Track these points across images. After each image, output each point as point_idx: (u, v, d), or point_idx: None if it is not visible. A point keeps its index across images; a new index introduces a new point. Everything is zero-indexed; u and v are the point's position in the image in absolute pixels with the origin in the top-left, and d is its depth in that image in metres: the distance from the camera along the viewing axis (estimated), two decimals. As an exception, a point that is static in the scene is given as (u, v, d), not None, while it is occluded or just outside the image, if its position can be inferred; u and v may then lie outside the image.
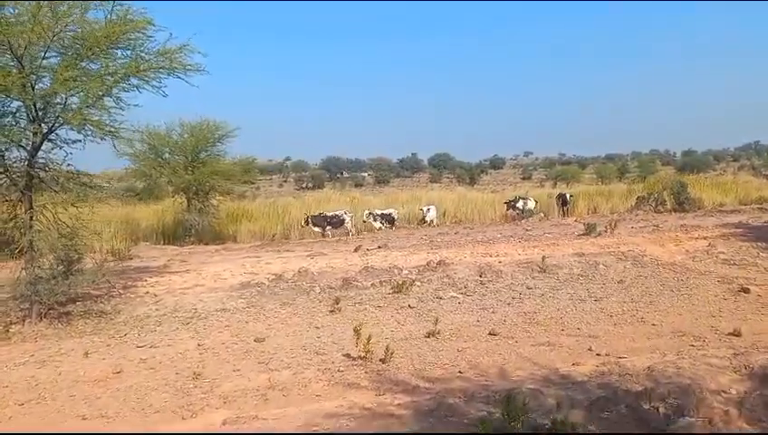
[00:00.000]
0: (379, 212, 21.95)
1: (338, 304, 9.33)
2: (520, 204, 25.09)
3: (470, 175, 70.61)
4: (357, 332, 6.92)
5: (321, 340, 7.92)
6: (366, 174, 77.17)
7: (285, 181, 76.40)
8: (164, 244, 21.38)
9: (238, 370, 6.83)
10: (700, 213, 22.97)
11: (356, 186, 67.58)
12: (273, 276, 11.11)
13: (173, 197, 22.64)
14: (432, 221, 23.44)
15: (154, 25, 8.92)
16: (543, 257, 11.83)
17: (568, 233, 16.65)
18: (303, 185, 67.69)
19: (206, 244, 20.72)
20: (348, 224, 20.90)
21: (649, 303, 9.34)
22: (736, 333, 7.60)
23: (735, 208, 24.21)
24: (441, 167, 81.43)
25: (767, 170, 63.29)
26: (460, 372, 6.58)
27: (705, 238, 14.56)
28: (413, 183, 71.17)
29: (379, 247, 15.12)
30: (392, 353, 6.89)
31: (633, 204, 26.17)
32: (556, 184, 60.38)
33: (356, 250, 14.62)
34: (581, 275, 11.24)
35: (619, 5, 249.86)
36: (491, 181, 73.47)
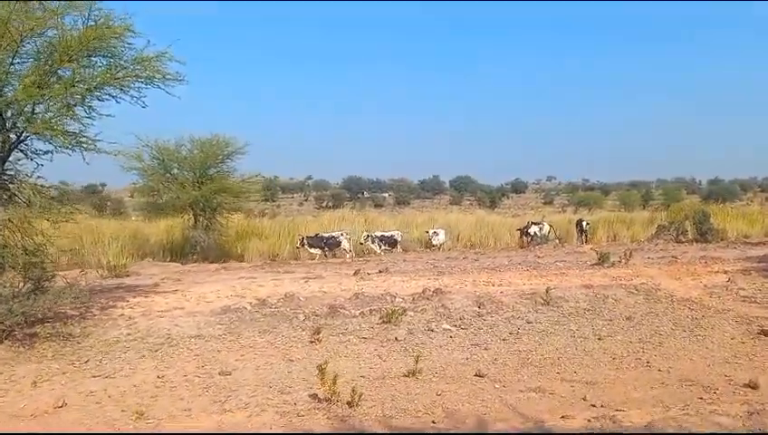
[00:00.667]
0: (378, 234, 21.18)
1: (318, 334, 8.60)
2: (533, 229, 24.21)
3: (491, 198, 69.71)
4: (321, 370, 6.18)
5: (292, 376, 7.20)
6: (386, 194, 76.67)
7: (306, 200, 76.25)
8: (169, 260, 20.91)
9: (189, 410, 6.12)
10: (723, 244, 21.86)
11: (376, 206, 67.05)
12: (257, 301, 10.41)
13: (180, 214, 22.18)
14: (441, 245, 22.65)
15: (133, 32, 8.41)
16: (548, 289, 10.99)
17: (580, 262, 15.75)
18: (323, 204, 67.39)
19: (211, 262, 20.21)
20: (345, 245, 20.26)
21: (658, 344, 8.46)
22: (753, 385, 6.70)
23: (761, 241, 23.01)
24: (462, 189, 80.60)
25: (796, 201, 61.54)
26: (433, 422, 5.80)
27: (724, 272, 13.59)
28: (433, 205, 70.42)
29: (380, 272, 14.39)
30: (361, 396, 6.13)
31: (653, 233, 25.13)
32: (578, 210, 59.25)
33: (355, 274, 13.90)
34: (588, 310, 10.36)
35: (645, 33, 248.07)
36: (512, 205, 72.44)
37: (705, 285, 12.15)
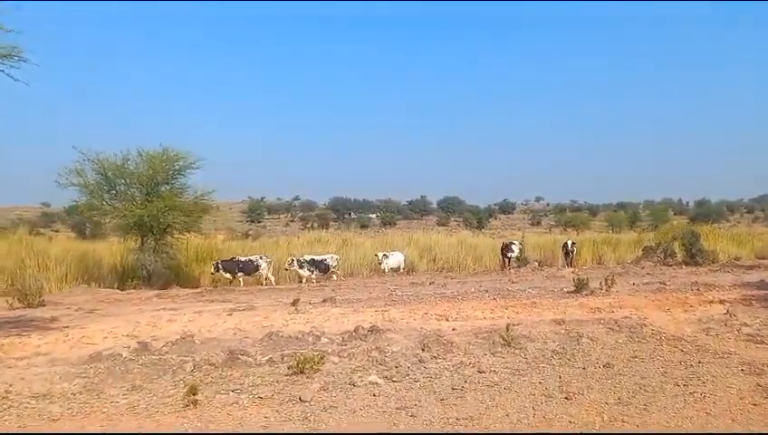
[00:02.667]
0: (307, 258, 18.85)
1: (194, 394, 6.32)
2: (513, 250, 22.15)
3: (478, 219, 67.74)
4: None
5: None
6: (373, 215, 74.51)
7: (292, 221, 74.03)
8: (116, 286, 18.68)
9: None
10: (715, 267, 19.77)
11: (362, 227, 64.95)
12: (139, 345, 8.13)
13: (127, 234, 19.94)
14: (398, 269, 20.46)
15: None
16: (508, 326, 8.77)
17: (556, 289, 13.60)
18: (309, 225, 65.14)
19: (154, 287, 17.98)
20: (263, 271, 18.12)
21: (643, 407, 6.21)
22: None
23: (754, 264, 20.95)
24: (450, 210, 78.61)
25: (782, 222, 59.80)
26: None
27: (721, 302, 11.44)
28: (420, 226, 68.24)
29: (324, 301, 12.20)
30: None
31: (640, 254, 23.03)
32: (565, 230, 57.34)
33: (293, 304, 11.69)
34: (557, 353, 8.14)
35: (632, 49, 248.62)
36: (500, 226, 70.39)
37: (700, 319, 9.98)
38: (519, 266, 22.25)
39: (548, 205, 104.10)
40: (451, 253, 24.88)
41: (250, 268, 18.27)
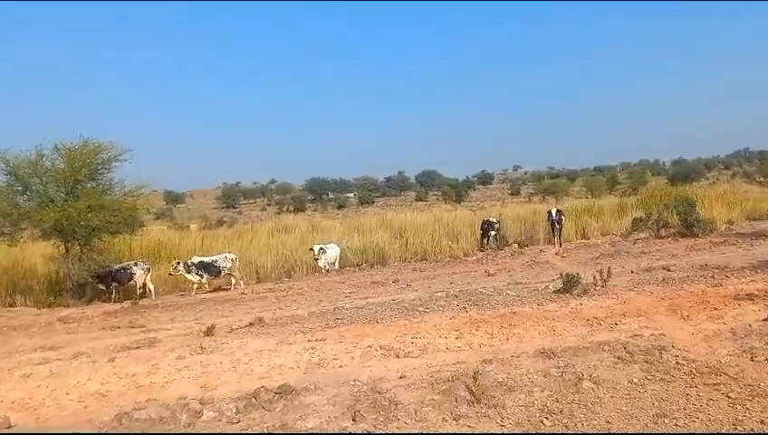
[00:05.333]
0: (196, 260, 15.73)
1: None
2: (492, 231, 19.47)
3: (456, 192, 64.98)
4: None
5: None
6: (351, 195, 71.45)
7: (269, 205, 70.80)
8: (41, 302, 15.64)
9: None
10: (715, 238, 17.11)
11: (339, 207, 62.06)
12: None
13: (48, 239, 16.95)
14: (332, 266, 17.44)
15: None
16: (476, 375, 5.96)
17: (540, 287, 10.82)
18: (284, 208, 62.05)
19: (80, 301, 15.05)
20: (139, 279, 15.23)
21: None
22: None
23: (755, 231, 18.28)
24: (428, 184, 75.70)
25: (760, 177, 57.75)
26: None
27: (750, 298, 8.74)
28: (398, 202, 65.43)
29: (251, 324, 9.34)
30: None
31: (629, 227, 20.34)
32: (544, 198, 54.79)
33: (208, 332, 8.82)
34: (548, 414, 5.38)
35: (610, 15, 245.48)
36: (479, 198, 67.75)
37: (734, 332, 7.25)
38: (498, 248, 19.55)
39: (526, 173, 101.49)
40: (425, 235, 22.05)
41: (123, 278, 15.11)
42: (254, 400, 5.77)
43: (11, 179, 16.03)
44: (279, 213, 57.32)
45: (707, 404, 5.37)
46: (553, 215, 19.36)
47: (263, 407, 5.67)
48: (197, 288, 15.37)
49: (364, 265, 18.29)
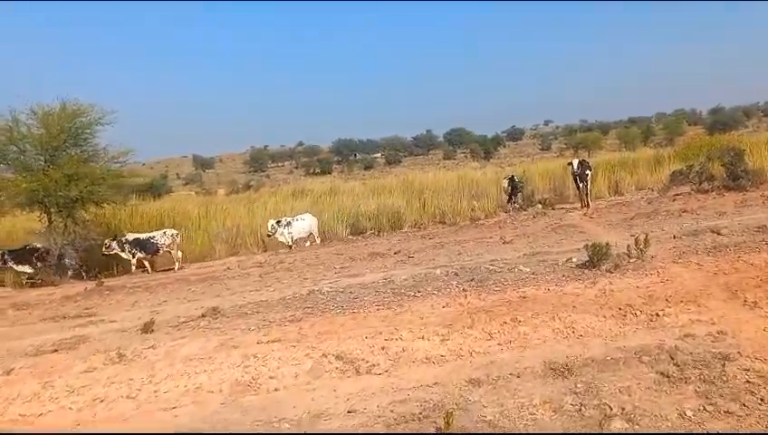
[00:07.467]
0: (131, 238, 13.98)
1: None
2: (515, 191, 17.38)
3: (485, 149, 62.07)
4: None
5: None
6: (378, 155, 69.14)
7: (296, 168, 69.11)
8: (23, 279, 14.24)
9: None
10: (766, 189, 14.64)
11: (366, 168, 60.00)
12: None
13: (30, 210, 15.48)
14: (310, 238, 15.41)
15: None
16: (448, 417, 3.95)
17: (561, 258, 8.70)
18: (311, 170, 60.31)
19: (63, 279, 13.56)
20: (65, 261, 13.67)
21: None
22: None
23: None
24: (456, 142, 72.72)
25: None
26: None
27: (835, 274, 6.53)
28: (426, 161, 63.03)
29: (203, 316, 7.54)
30: None
31: (667, 181, 17.86)
32: (576, 153, 51.69)
33: (145, 328, 7.05)
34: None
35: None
36: (509, 154, 64.77)
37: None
38: (521, 208, 17.41)
39: (557, 128, 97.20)
40: (445, 195, 19.99)
41: (23, 259, 13.50)
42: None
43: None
44: (306, 175, 55.67)
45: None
46: (575, 167, 16.50)
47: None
48: (139, 269, 13.81)
49: (370, 232, 16.38)
